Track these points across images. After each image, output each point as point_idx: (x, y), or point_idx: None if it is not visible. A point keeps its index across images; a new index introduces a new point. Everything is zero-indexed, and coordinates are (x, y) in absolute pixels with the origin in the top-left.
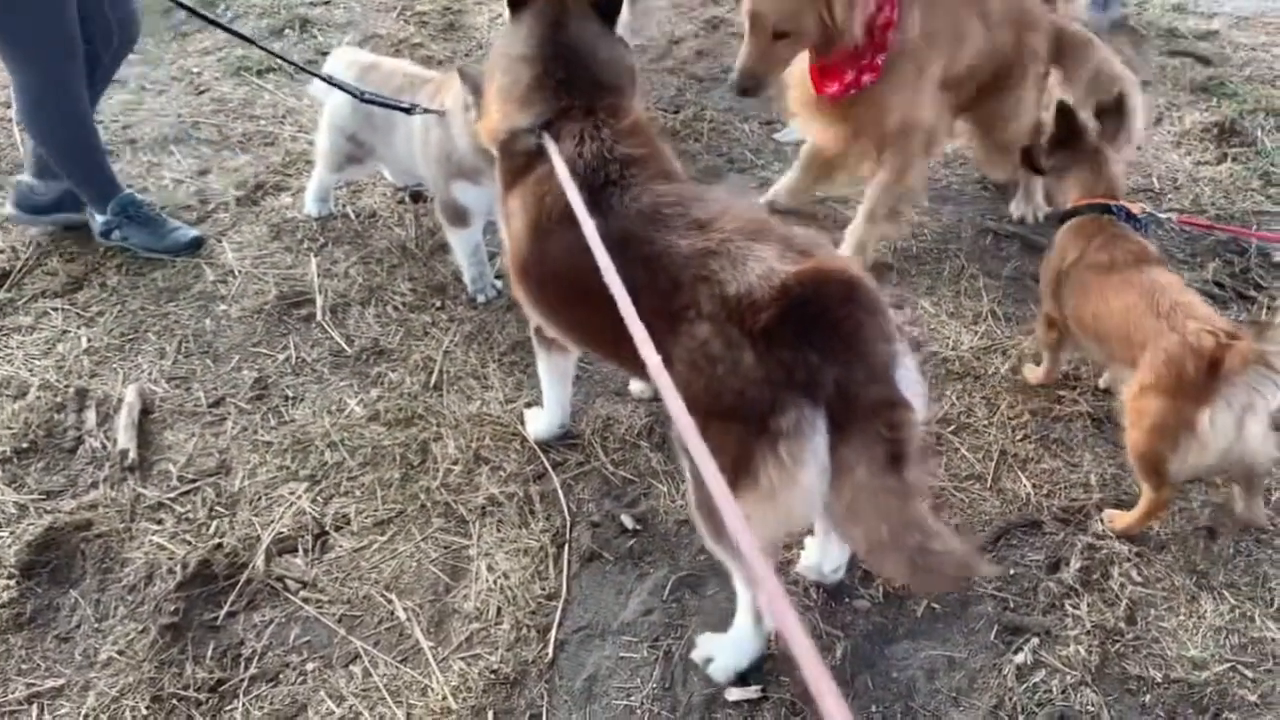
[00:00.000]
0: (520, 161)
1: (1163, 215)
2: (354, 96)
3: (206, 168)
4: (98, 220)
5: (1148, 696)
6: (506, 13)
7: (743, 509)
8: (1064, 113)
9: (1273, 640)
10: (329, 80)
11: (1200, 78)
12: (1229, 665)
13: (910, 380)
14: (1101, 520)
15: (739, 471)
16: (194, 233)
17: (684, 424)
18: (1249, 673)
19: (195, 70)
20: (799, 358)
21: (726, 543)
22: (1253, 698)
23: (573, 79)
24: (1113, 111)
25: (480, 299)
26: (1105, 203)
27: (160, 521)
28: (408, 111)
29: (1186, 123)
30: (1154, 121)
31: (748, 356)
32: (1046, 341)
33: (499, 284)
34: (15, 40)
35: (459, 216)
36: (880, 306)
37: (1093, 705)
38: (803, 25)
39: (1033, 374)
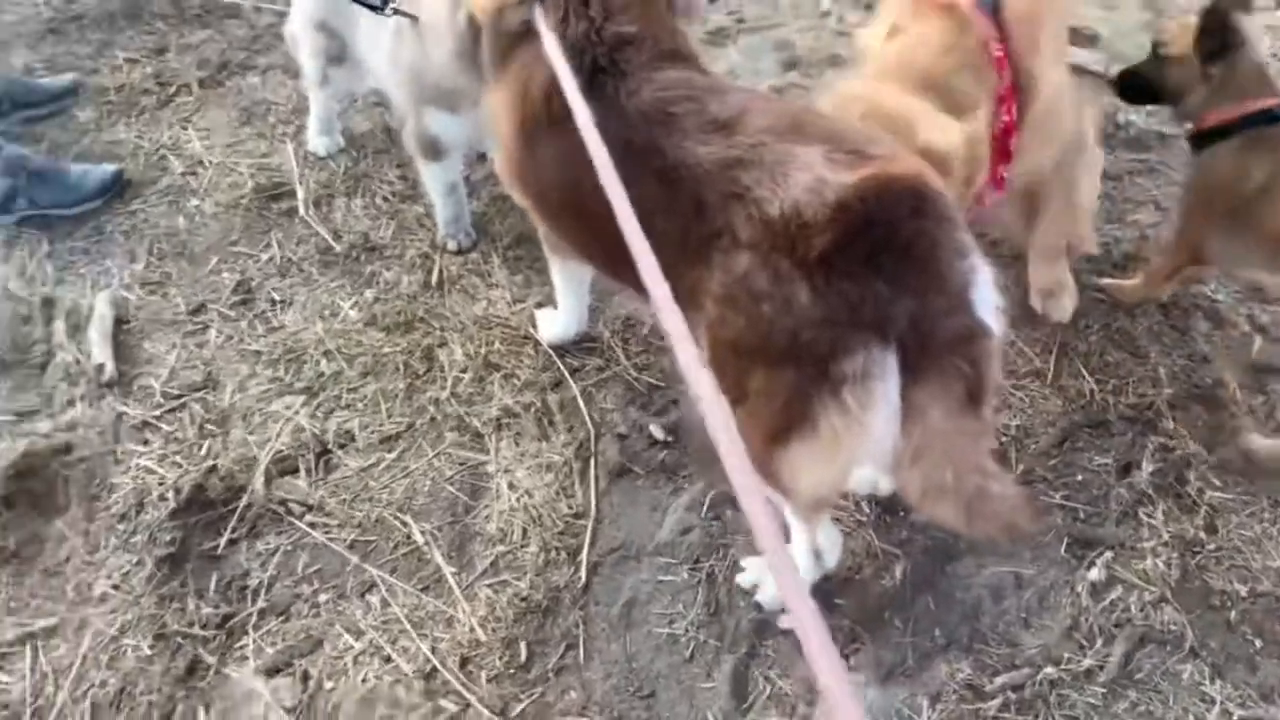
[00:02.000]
0: (505, 44)
1: None
2: None
3: (163, 45)
4: None
5: (1233, 612)
6: None
7: (800, 460)
8: (1214, 14)
9: None
10: None
11: None
12: None
13: (988, 299)
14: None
15: (794, 420)
16: (111, 168)
17: (706, 396)
18: None
19: None
20: (865, 290)
21: (782, 489)
22: None
23: None
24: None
25: (451, 245)
26: (1276, 108)
27: (146, 442)
28: (377, 9)
29: None
30: None
31: (802, 292)
32: (1171, 271)
33: (474, 233)
34: None
35: (432, 149)
36: (953, 215)
37: (1175, 624)
38: None
39: (1133, 291)
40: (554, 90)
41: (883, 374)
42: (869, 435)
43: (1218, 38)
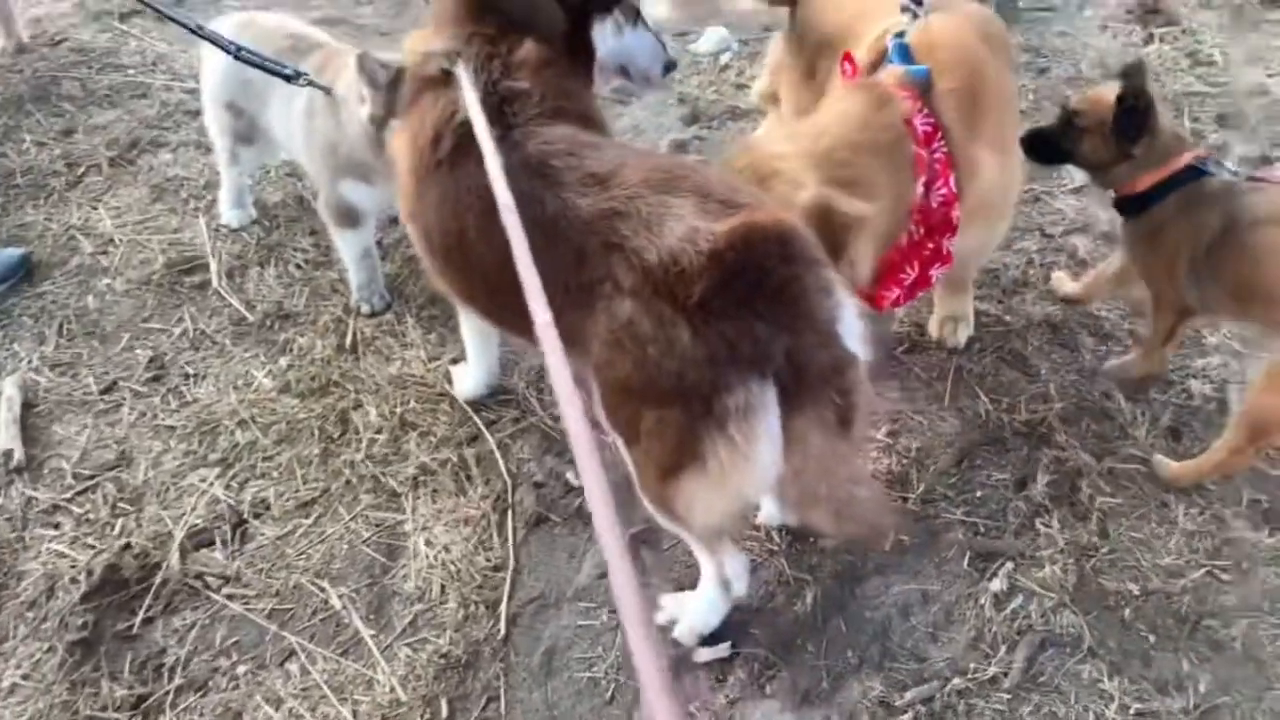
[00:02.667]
0: (417, 88)
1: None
2: (226, 52)
3: (71, 126)
4: None
5: (1127, 611)
6: None
7: (692, 493)
8: (1130, 94)
9: (1245, 540)
10: (195, 30)
11: None
12: (1205, 570)
13: (853, 330)
14: (1154, 469)
15: (683, 456)
16: (17, 251)
17: (573, 422)
18: (1225, 575)
19: (47, 19)
20: (743, 330)
21: (679, 523)
22: (1231, 601)
23: (490, 6)
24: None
25: (365, 308)
26: (1197, 162)
27: (58, 526)
28: (289, 80)
29: (1111, 3)
30: (1078, 7)
31: (683, 334)
32: (1168, 334)
33: (388, 295)
34: None
35: (347, 217)
36: (818, 256)
37: (1074, 626)
38: None
39: (1135, 366)
40: (441, 135)
41: (764, 407)
42: (755, 465)
43: (1138, 120)
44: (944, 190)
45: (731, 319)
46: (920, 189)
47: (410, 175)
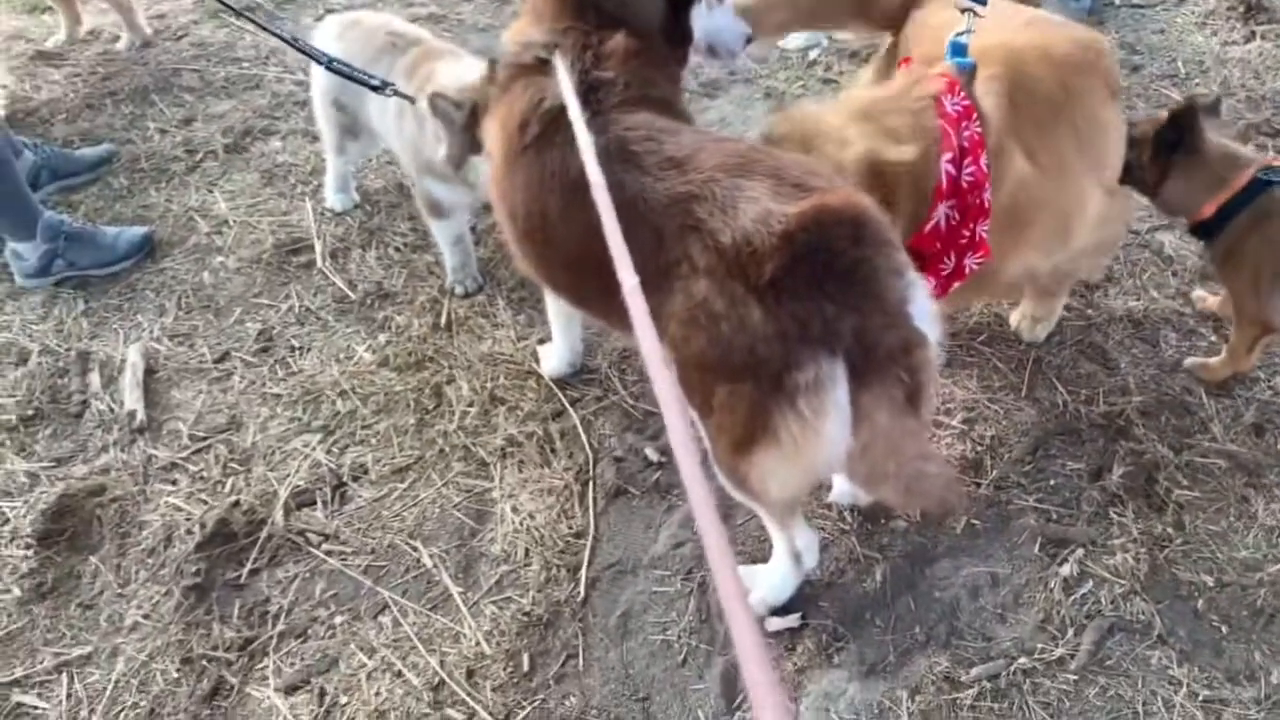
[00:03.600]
0: (511, 74)
1: None
2: (318, 62)
3: (191, 115)
4: (25, 258)
5: (1200, 602)
6: None
7: (765, 466)
8: (1180, 116)
9: None
10: (291, 41)
11: None
12: None
13: (924, 311)
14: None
15: (756, 430)
16: (142, 230)
17: (663, 388)
18: None
19: (170, 15)
20: (812, 309)
21: (752, 496)
22: None
23: (588, 2)
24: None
25: (459, 290)
26: (1262, 174)
27: (174, 482)
28: (376, 90)
29: (1211, 2)
30: (1177, 3)
31: (755, 313)
32: (1247, 342)
33: (480, 278)
34: None
35: (435, 208)
36: (889, 239)
37: (1144, 614)
38: None
39: (1219, 368)
40: (529, 120)
41: (833, 383)
42: (824, 439)
43: (1175, 135)
44: (973, 169)
45: (802, 298)
46: (948, 165)
47: (499, 159)
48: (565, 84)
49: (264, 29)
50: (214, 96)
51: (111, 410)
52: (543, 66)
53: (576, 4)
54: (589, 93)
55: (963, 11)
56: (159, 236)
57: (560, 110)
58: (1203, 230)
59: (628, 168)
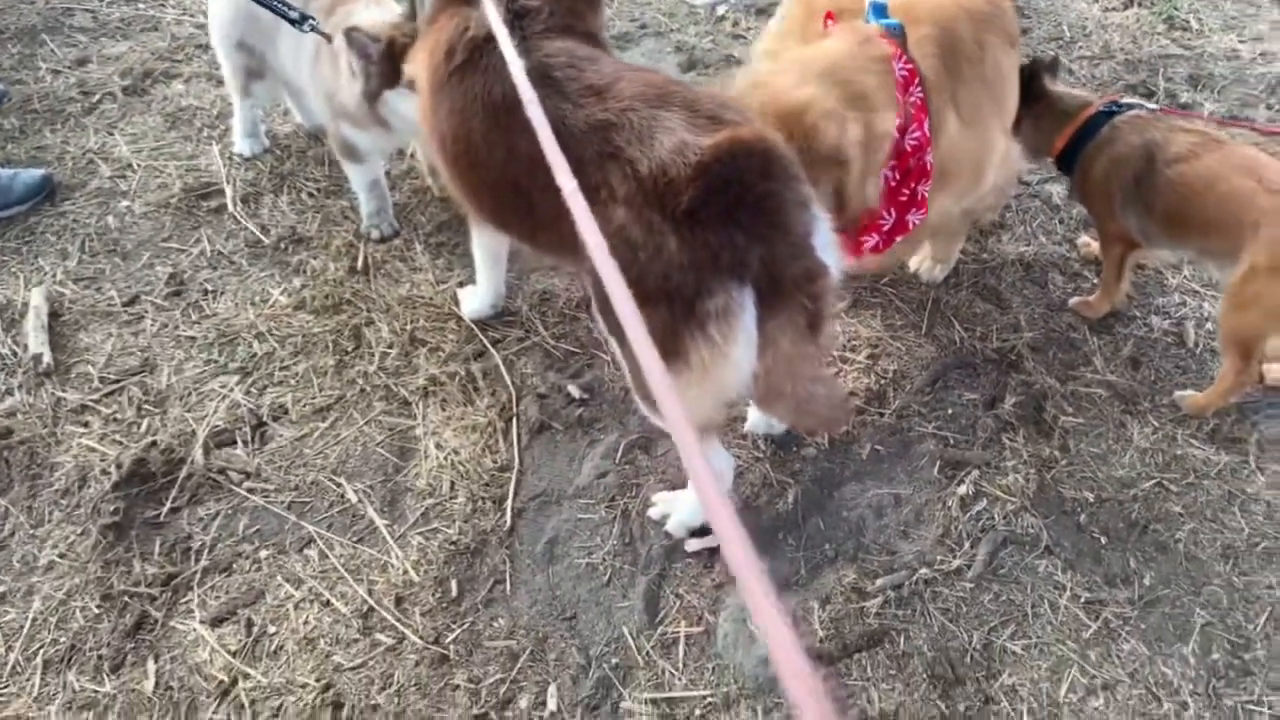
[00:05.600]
0: (436, 8)
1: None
2: None
3: (85, 56)
4: None
5: (1083, 516)
6: None
7: (677, 388)
8: (1023, 72)
9: (1195, 457)
10: None
11: None
12: (1155, 482)
13: (825, 242)
14: (1178, 404)
15: (668, 354)
16: (39, 172)
17: (615, 290)
18: (1173, 487)
19: None
20: (724, 239)
21: (662, 416)
22: (1178, 508)
23: None
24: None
25: (375, 236)
26: (1105, 106)
27: (86, 424)
28: (295, 24)
29: None
30: None
31: (671, 241)
32: (1119, 266)
33: (396, 223)
34: None
35: (351, 152)
36: (796, 173)
37: (1033, 528)
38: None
39: (1098, 303)
40: (454, 48)
41: (742, 310)
42: (733, 363)
43: (1023, 89)
44: (917, 134)
45: (714, 228)
46: (895, 131)
47: (427, 89)
48: (490, 9)
49: None
50: (108, 38)
51: (15, 354)
52: None
53: None
54: (514, 20)
55: None
56: (57, 179)
57: (485, 37)
58: (1062, 163)
59: (548, 92)
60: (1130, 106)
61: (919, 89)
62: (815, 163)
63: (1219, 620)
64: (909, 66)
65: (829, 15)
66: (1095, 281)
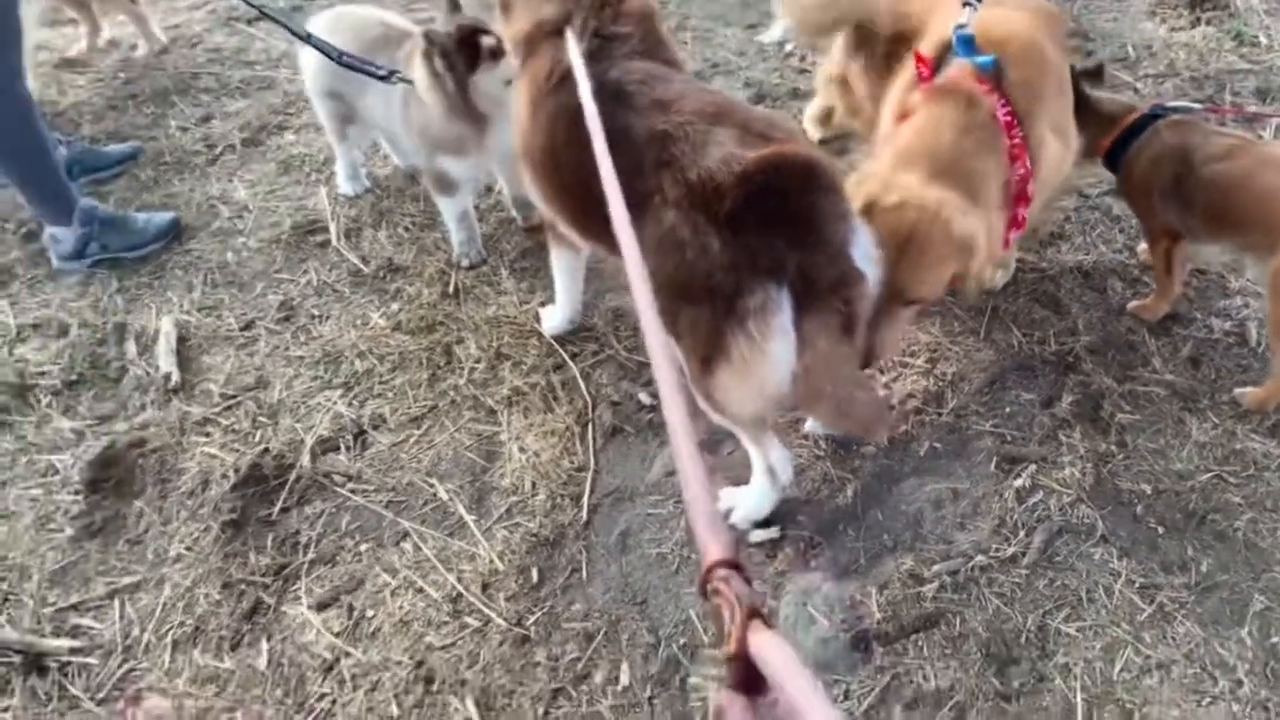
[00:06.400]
0: (535, 46)
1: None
2: (330, 58)
3: (209, 114)
4: (62, 241)
5: (1139, 507)
6: None
7: (723, 382)
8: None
9: (1255, 450)
10: (305, 38)
11: None
12: (1213, 475)
13: (865, 252)
14: (1238, 401)
15: (712, 348)
16: (169, 215)
17: (643, 303)
18: (1233, 479)
19: (185, 24)
20: (763, 243)
21: (720, 411)
22: (1237, 499)
23: None
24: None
25: (464, 263)
26: (1151, 110)
27: (208, 434)
28: (384, 79)
29: None
30: None
31: (714, 243)
32: (1163, 261)
33: (484, 251)
34: None
35: (445, 185)
36: (836, 185)
37: (1088, 518)
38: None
39: (1155, 304)
40: (552, 71)
41: (778, 309)
42: (771, 358)
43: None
44: (1021, 170)
45: (755, 233)
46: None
47: (525, 109)
48: (570, 37)
49: (280, 23)
50: (229, 97)
51: (148, 374)
52: (560, 34)
53: None
54: (603, 44)
55: (964, 5)
56: (184, 221)
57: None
58: (1109, 163)
59: (620, 105)
60: (1175, 110)
61: (1019, 129)
62: (947, 255)
63: (1279, 605)
64: (1009, 112)
65: (919, 57)
66: (1155, 286)
